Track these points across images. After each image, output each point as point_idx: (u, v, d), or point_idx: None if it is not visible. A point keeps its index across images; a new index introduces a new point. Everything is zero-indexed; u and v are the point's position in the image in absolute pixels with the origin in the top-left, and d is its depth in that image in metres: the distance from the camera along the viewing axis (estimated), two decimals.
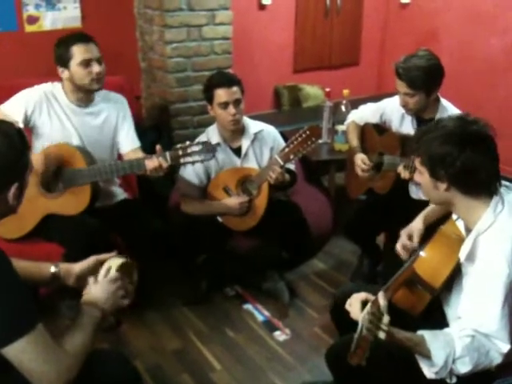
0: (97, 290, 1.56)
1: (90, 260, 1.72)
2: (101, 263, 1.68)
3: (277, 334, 2.64)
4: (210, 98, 2.68)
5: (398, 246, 2.02)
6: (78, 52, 2.43)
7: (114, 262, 1.63)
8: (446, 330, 1.61)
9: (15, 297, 1.32)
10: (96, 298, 1.54)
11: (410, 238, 2.05)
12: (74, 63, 2.43)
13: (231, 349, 2.54)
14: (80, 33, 2.53)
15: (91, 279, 1.59)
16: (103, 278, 1.59)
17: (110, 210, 2.65)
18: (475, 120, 1.58)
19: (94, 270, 1.68)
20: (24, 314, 1.33)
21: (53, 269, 1.68)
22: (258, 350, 2.53)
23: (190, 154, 2.36)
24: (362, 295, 1.65)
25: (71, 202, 2.43)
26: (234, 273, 2.98)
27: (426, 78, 2.44)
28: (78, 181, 2.41)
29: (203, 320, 2.72)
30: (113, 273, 1.60)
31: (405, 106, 2.55)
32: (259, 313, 2.79)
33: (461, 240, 1.67)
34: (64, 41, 2.47)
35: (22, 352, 1.31)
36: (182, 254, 2.80)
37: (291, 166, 2.79)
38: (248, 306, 2.84)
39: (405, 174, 2.48)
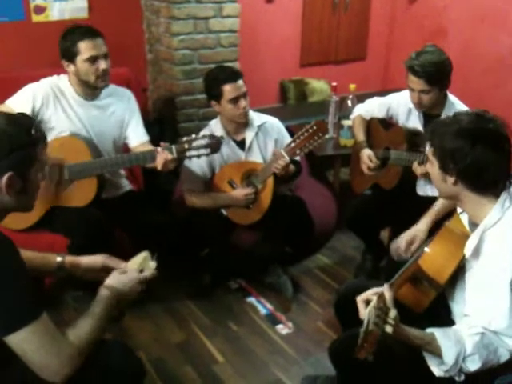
0: (124, 281, 1.57)
1: (99, 259, 1.72)
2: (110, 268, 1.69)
3: (279, 327, 2.64)
4: (217, 95, 2.65)
5: (393, 245, 2.06)
6: (85, 48, 2.40)
7: (150, 263, 1.66)
8: (455, 327, 1.61)
9: (21, 286, 1.33)
10: (119, 288, 1.55)
11: (411, 243, 2.04)
12: (81, 59, 2.41)
13: (234, 342, 2.54)
14: (87, 27, 2.48)
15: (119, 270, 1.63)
16: (135, 275, 1.61)
17: (115, 201, 2.65)
18: (492, 118, 1.57)
19: (102, 269, 1.70)
20: (29, 303, 1.33)
21: (59, 259, 1.69)
22: (260, 344, 2.53)
23: (195, 148, 2.36)
24: (364, 296, 1.62)
25: (78, 195, 2.43)
26: (238, 266, 2.98)
27: (441, 73, 2.44)
28: (84, 174, 2.40)
29: (206, 313, 2.73)
30: (147, 273, 1.63)
31: (419, 103, 2.52)
32: (262, 306, 2.79)
33: (466, 235, 1.66)
34: (70, 34, 2.42)
35: (26, 341, 1.31)
36: (185, 247, 2.81)
37: (296, 157, 2.78)
38: (251, 300, 2.84)
39: (421, 170, 2.46)
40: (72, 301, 2.64)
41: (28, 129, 1.41)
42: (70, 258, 1.71)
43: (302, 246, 3.03)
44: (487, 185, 1.56)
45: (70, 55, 2.43)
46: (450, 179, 1.57)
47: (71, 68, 2.46)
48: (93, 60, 2.42)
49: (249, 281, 2.97)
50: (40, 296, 1.37)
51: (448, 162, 1.56)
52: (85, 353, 1.40)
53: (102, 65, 2.43)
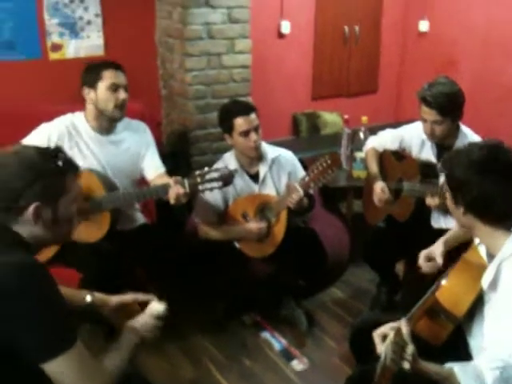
0: (142, 322, 1.62)
1: (128, 297, 1.75)
2: (139, 303, 1.73)
3: (294, 363, 2.60)
4: (229, 128, 2.68)
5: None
6: (108, 76, 2.47)
7: (159, 307, 1.69)
8: (475, 362, 1.57)
9: (60, 313, 1.34)
10: (140, 328, 1.60)
11: (430, 260, 2.05)
12: (103, 85, 2.47)
13: (248, 378, 2.50)
14: (111, 61, 2.59)
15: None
16: (150, 314, 1.65)
17: (129, 234, 2.66)
18: (505, 150, 1.57)
19: (130, 306, 1.74)
20: (67, 330, 1.35)
21: (88, 298, 1.72)
22: (275, 381, 2.49)
23: (208, 181, 2.37)
24: (381, 331, 1.60)
25: (91, 230, 2.44)
26: (251, 299, 2.95)
27: (453, 104, 2.46)
28: (97, 208, 2.42)
29: (220, 348, 2.70)
30: (159, 312, 1.67)
31: (431, 134, 2.53)
32: (277, 341, 2.75)
33: (483, 267, 1.64)
34: (94, 65, 2.53)
35: (62, 367, 1.32)
36: (198, 279, 2.79)
37: (309, 190, 2.77)
38: (265, 335, 2.81)
39: (435, 202, 2.45)
40: (86, 334, 2.63)
41: (55, 158, 1.42)
42: (99, 296, 1.73)
43: (315, 279, 3.00)
44: (498, 217, 1.55)
45: (93, 81, 2.48)
46: (460, 210, 1.58)
47: (91, 95, 2.50)
48: (114, 88, 2.47)
49: (263, 315, 2.94)
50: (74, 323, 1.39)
51: (457, 193, 1.58)
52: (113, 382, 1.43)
53: (122, 95, 2.49)
